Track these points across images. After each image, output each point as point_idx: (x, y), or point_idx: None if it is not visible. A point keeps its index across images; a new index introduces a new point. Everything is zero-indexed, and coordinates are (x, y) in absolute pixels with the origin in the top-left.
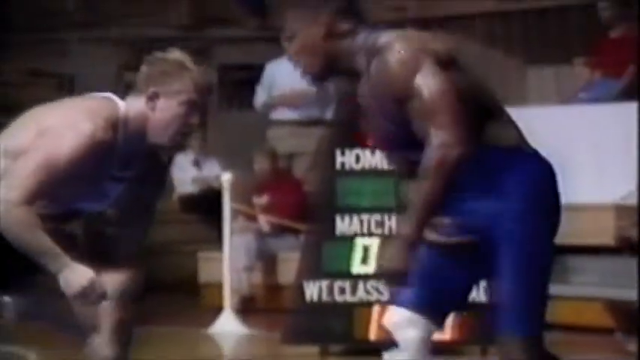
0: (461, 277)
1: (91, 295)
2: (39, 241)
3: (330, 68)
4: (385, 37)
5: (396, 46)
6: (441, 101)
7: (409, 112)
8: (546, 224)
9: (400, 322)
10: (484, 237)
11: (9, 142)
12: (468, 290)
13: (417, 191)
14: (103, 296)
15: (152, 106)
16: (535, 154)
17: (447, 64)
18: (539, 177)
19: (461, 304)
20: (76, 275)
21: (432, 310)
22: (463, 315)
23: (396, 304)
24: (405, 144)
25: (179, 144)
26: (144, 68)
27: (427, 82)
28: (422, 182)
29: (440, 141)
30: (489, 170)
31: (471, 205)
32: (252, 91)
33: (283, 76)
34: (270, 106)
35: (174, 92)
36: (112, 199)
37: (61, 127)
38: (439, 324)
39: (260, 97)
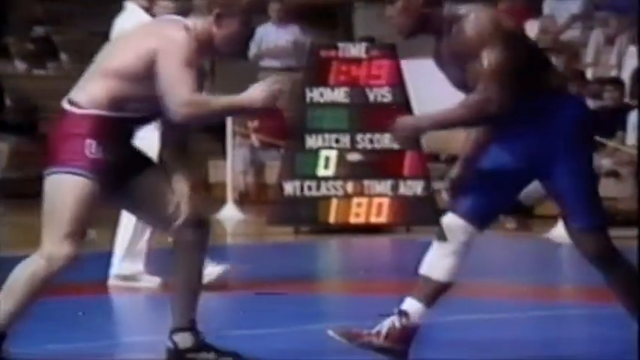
0: (510, 190)
1: (277, 96)
2: (218, 105)
3: (420, 29)
4: (464, 9)
5: (472, 17)
6: (494, 71)
7: (471, 68)
8: (587, 146)
9: (453, 227)
10: (536, 161)
11: (113, 63)
12: (513, 200)
13: (449, 108)
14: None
15: (219, 24)
16: (576, 96)
17: (508, 38)
18: (580, 113)
19: (506, 211)
20: (255, 91)
21: (481, 219)
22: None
23: (452, 211)
24: (464, 86)
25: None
26: None
27: (489, 53)
28: (455, 107)
29: (482, 95)
30: (542, 109)
31: (528, 136)
32: (247, 47)
33: (269, 36)
34: (259, 57)
35: (237, 12)
36: None
37: (167, 40)
38: (484, 228)
39: (252, 50)
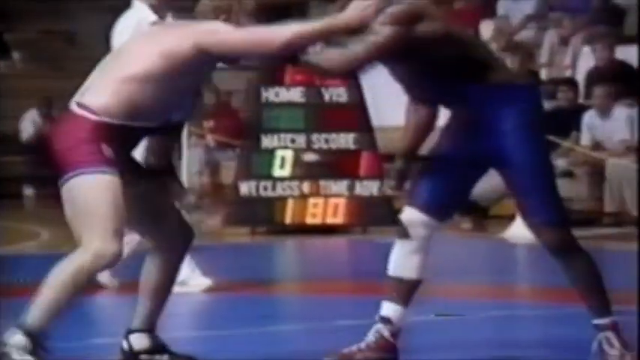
0: (465, 181)
1: (371, 15)
2: (317, 30)
3: None
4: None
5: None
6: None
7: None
8: (541, 136)
9: (413, 221)
10: (490, 152)
11: (131, 68)
12: (470, 191)
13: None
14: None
15: None
16: (528, 86)
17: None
18: (533, 102)
19: (463, 204)
20: (351, 11)
21: (440, 211)
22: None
23: (410, 205)
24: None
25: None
26: (206, 2)
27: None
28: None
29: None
30: (494, 100)
31: (481, 128)
32: None
33: None
34: None
35: (242, 17)
36: (188, 110)
37: (204, 26)
38: (444, 221)
39: None
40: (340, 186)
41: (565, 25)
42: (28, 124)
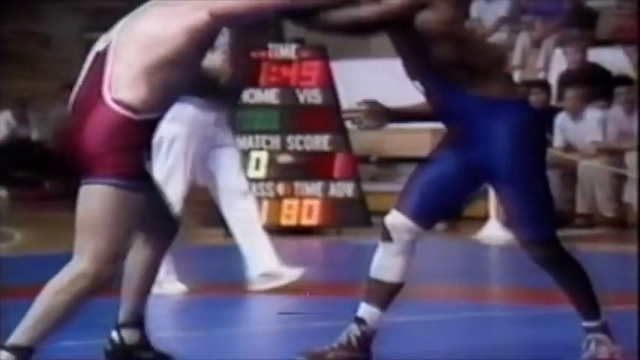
0: (455, 193)
1: None
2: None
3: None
4: None
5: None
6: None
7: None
8: (535, 157)
9: (397, 226)
10: (480, 167)
11: (157, 53)
12: (459, 202)
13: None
14: None
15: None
16: (520, 102)
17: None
18: (524, 120)
19: (450, 213)
20: None
21: (426, 218)
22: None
23: (397, 209)
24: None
25: None
26: None
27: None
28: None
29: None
30: (486, 114)
31: (474, 141)
32: None
33: None
34: None
35: None
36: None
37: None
38: (429, 228)
39: None
40: (315, 187)
41: (537, 27)
42: (2, 126)
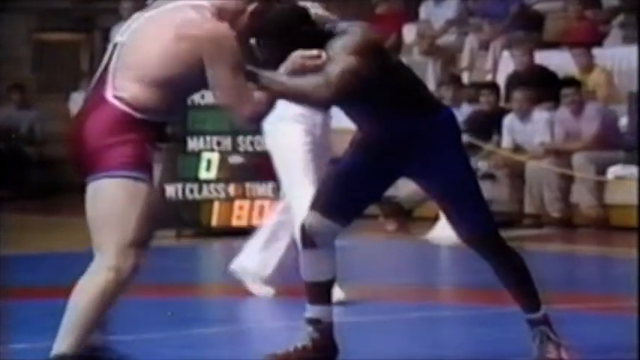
0: (373, 193)
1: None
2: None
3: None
4: (343, 26)
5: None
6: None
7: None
8: (460, 151)
9: (314, 225)
10: (415, 169)
11: (154, 72)
12: (372, 199)
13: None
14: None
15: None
16: (443, 108)
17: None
18: (449, 122)
19: (363, 211)
20: (289, 61)
21: (343, 216)
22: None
23: (312, 208)
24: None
25: None
26: None
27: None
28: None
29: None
30: (420, 125)
31: (409, 151)
32: None
33: None
34: None
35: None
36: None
37: (210, 41)
38: (346, 226)
39: None
40: (266, 188)
41: (485, 30)
42: None
